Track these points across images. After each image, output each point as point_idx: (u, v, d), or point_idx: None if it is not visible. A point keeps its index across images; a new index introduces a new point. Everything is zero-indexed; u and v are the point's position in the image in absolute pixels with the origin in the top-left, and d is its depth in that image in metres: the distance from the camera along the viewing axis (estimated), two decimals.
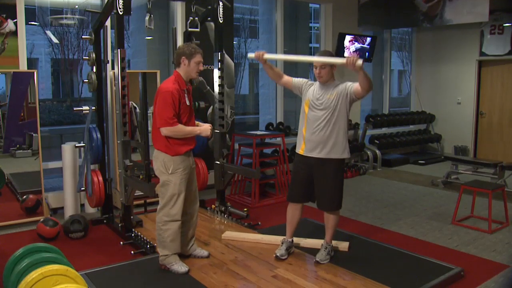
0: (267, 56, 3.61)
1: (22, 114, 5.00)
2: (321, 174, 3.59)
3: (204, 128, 3.52)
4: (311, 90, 3.61)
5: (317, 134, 3.52)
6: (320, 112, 3.52)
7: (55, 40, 12.49)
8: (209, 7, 4.82)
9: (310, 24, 10.83)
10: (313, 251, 3.80)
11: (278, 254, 3.73)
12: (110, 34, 5.21)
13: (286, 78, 3.78)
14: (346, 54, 7.62)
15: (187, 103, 3.51)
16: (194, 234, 3.81)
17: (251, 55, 3.70)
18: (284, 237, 3.86)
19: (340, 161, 3.60)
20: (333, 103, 3.49)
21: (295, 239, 3.99)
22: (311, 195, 3.72)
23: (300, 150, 3.65)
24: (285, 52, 7.33)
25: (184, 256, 3.72)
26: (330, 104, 3.49)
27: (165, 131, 3.38)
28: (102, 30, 4.73)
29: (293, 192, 3.76)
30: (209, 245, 4.05)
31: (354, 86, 3.51)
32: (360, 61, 3.20)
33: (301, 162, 3.67)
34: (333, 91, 3.51)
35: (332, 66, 3.50)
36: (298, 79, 3.75)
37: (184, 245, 3.70)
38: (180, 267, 3.50)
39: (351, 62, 3.20)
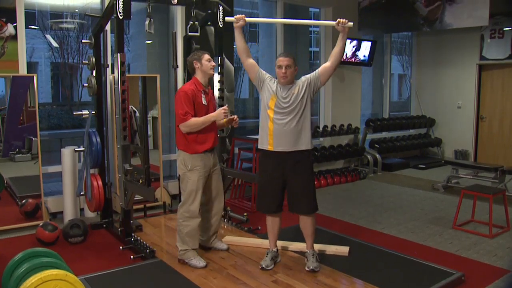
0: (249, 19, 3.62)
1: (21, 118, 5.00)
2: (295, 172, 3.51)
3: (216, 113, 3.70)
4: (275, 87, 3.52)
5: (286, 129, 3.45)
6: (288, 109, 3.45)
7: (55, 44, 12.48)
8: (209, 11, 4.82)
9: (310, 29, 10.84)
10: None
11: (263, 265, 3.63)
12: (110, 38, 5.22)
13: (253, 61, 3.67)
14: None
15: (204, 102, 3.72)
16: (217, 230, 4.07)
17: (230, 18, 3.63)
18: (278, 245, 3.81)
19: (310, 153, 3.58)
20: (299, 97, 3.46)
21: (297, 244, 3.99)
22: (282, 202, 3.65)
23: (269, 146, 3.52)
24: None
25: (205, 248, 4.01)
26: (297, 100, 3.45)
27: (182, 127, 3.63)
28: (102, 34, 4.72)
29: (266, 202, 3.65)
30: (209, 250, 4.04)
31: (319, 70, 3.55)
32: (351, 23, 3.43)
33: (271, 165, 3.56)
34: (295, 87, 3.49)
35: (295, 67, 3.49)
36: (264, 71, 3.66)
37: (207, 238, 4.01)
38: (198, 262, 3.67)
39: (343, 22, 3.42)
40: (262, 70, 3.65)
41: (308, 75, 3.57)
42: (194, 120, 3.61)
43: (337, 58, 3.52)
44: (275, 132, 3.49)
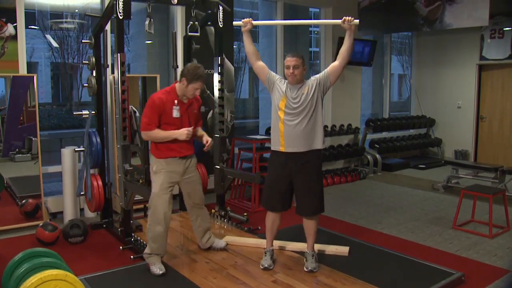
0: (256, 22, 3.65)
1: (21, 118, 5.00)
2: (302, 172, 3.50)
3: (179, 132, 3.59)
4: (285, 88, 3.51)
5: (297, 130, 3.44)
6: (298, 110, 3.44)
7: (55, 44, 12.48)
8: (209, 11, 4.82)
9: (310, 29, 10.84)
10: None
11: (266, 265, 3.63)
12: (110, 38, 5.22)
13: (263, 63, 3.67)
14: None
15: (175, 115, 3.60)
16: (209, 227, 4.01)
17: (237, 23, 3.64)
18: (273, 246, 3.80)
19: (320, 153, 3.57)
20: (309, 97, 3.45)
21: (297, 244, 3.99)
22: (289, 202, 3.65)
23: (281, 147, 3.52)
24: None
25: (202, 249, 4.00)
26: (307, 99, 3.44)
27: (143, 135, 3.65)
28: (102, 34, 4.72)
29: (271, 200, 3.64)
30: (209, 250, 4.04)
31: (327, 70, 3.54)
32: (357, 21, 3.39)
33: (279, 163, 3.56)
34: (305, 87, 3.48)
35: (304, 66, 3.49)
36: (273, 72, 3.66)
37: (200, 239, 3.98)
38: (156, 269, 3.57)
39: (349, 20, 3.37)
40: (271, 72, 3.65)
41: (317, 75, 3.55)
42: (156, 133, 3.56)
43: (345, 57, 3.49)
44: (286, 133, 3.48)
